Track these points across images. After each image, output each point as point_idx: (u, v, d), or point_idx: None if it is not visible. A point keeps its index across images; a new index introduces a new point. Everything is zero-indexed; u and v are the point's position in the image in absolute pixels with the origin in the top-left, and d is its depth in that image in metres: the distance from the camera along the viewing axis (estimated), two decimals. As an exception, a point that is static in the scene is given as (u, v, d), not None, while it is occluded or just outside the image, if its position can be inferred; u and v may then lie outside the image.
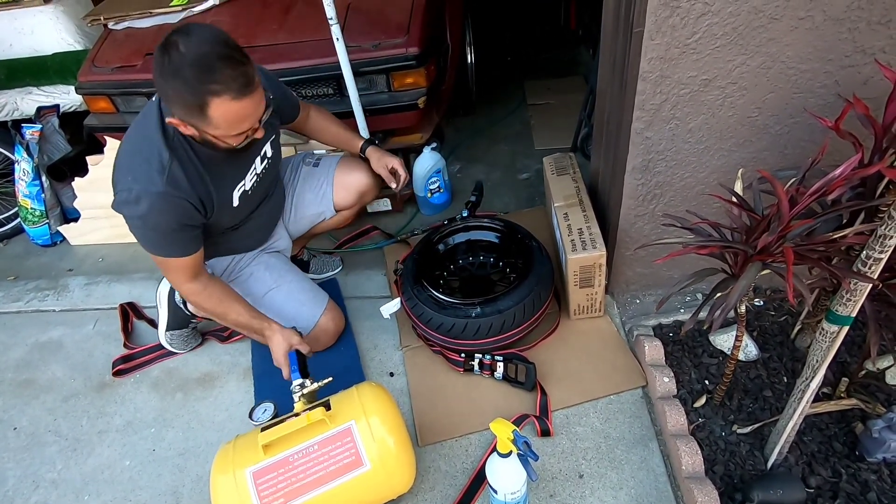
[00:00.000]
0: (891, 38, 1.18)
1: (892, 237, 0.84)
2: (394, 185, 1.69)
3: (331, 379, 1.29)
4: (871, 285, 0.89)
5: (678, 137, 1.37)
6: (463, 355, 1.53)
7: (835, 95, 1.27)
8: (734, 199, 1.06)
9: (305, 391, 1.26)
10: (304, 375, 1.33)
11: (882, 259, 0.86)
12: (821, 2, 1.15)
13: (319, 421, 1.15)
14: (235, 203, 1.41)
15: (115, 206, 1.26)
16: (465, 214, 1.75)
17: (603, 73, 1.54)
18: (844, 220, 1.04)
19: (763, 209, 1.04)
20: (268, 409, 1.45)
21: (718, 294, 1.05)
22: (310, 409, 1.19)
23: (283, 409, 1.29)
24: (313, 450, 1.13)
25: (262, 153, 1.45)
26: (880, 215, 0.99)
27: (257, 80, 1.14)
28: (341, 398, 1.24)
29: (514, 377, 1.48)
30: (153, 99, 1.28)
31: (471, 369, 1.52)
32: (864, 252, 0.88)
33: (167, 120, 1.18)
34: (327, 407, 1.20)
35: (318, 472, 1.12)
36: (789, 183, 1.02)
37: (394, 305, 1.62)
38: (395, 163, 1.67)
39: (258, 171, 1.45)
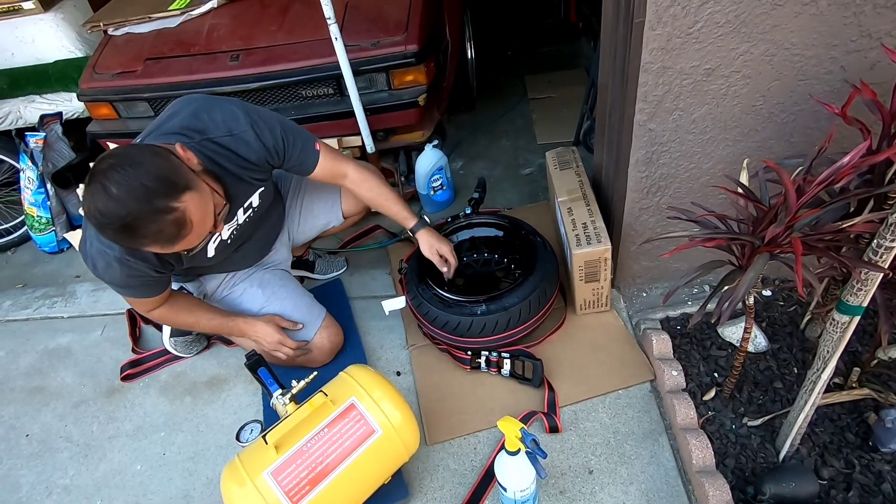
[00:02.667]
0: (897, 22, 1.16)
1: (902, 225, 0.82)
2: (444, 270, 1.56)
3: (316, 374, 1.30)
4: (881, 275, 0.88)
5: (682, 128, 1.35)
6: (469, 353, 1.52)
7: (841, 81, 1.25)
8: (740, 190, 1.04)
9: (294, 391, 1.26)
10: (281, 386, 1.32)
11: (893, 248, 0.85)
12: (825, -14, 1.13)
13: (323, 405, 1.18)
14: (210, 254, 1.33)
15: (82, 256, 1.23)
16: (468, 211, 1.74)
17: (604, 66, 1.52)
18: (852, 209, 1.02)
19: (770, 199, 1.02)
20: (254, 428, 1.47)
21: (726, 286, 1.04)
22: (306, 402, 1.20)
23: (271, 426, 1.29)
24: (324, 433, 1.16)
25: (245, 205, 1.34)
26: (889, 202, 0.97)
27: (189, 217, 1.03)
28: (333, 385, 1.27)
29: (521, 374, 1.48)
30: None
31: (477, 367, 1.52)
32: (875, 241, 0.86)
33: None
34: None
35: (334, 451, 1.15)
36: (796, 172, 1.01)
37: (398, 303, 1.60)
38: (446, 250, 1.54)
39: (239, 222, 1.36)
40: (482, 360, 1.51)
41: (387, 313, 1.62)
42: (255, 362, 1.40)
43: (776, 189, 1.01)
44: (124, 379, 1.72)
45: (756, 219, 1.00)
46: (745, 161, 1.10)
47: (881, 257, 0.85)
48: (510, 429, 1.07)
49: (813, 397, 1.08)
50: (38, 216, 2.26)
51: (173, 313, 1.42)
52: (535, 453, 1.06)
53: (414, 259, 1.63)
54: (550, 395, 1.44)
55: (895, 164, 0.97)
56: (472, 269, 1.76)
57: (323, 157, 1.38)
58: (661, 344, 1.46)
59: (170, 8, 2.15)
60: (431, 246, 1.53)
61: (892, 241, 0.83)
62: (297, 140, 1.33)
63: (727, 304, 0.98)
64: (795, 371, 1.40)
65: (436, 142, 2.14)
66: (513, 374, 1.48)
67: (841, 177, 0.88)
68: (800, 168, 1.00)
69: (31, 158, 2.21)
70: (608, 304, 1.62)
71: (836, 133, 1.06)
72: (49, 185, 2.26)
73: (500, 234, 1.71)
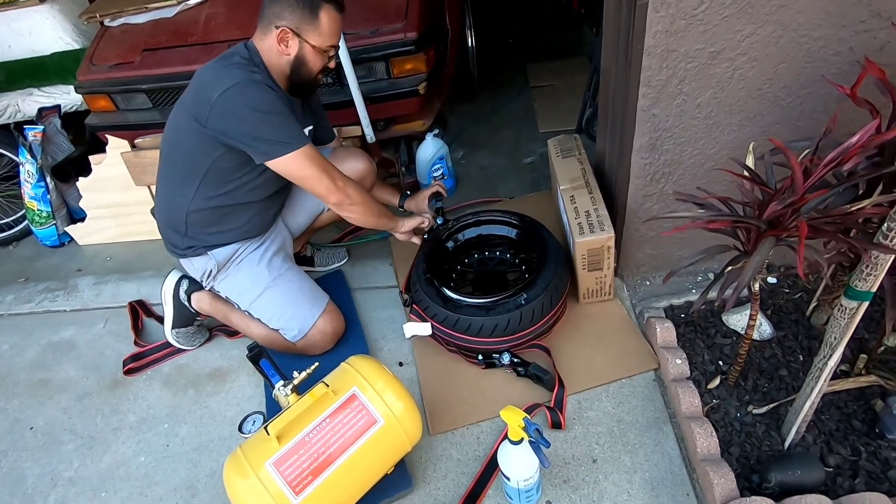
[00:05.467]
0: (908, 0, 1.13)
1: (913, 208, 0.81)
2: (440, 194, 1.78)
3: (317, 364, 1.30)
4: (892, 259, 0.86)
5: (686, 113, 1.33)
6: (480, 357, 1.50)
7: (849, 63, 1.22)
8: (745, 174, 1.02)
9: (296, 382, 1.26)
10: (283, 377, 1.32)
11: (903, 231, 0.83)
12: (833, -36, 1.10)
13: (324, 396, 1.17)
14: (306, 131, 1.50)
15: (222, 102, 1.29)
16: (440, 221, 1.69)
17: (607, 51, 1.50)
18: (861, 192, 1.00)
19: (776, 183, 1.00)
20: (257, 419, 1.46)
21: (730, 271, 1.02)
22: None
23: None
24: (326, 423, 1.15)
25: (306, 131, 1.54)
26: (900, 185, 0.96)
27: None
28: (335, 375, 1.26)
29: (534, 378, 1.46)
30: (234, 51, 1.39)
31: (492, 366, 1.50)
32: (886, 224, 0.84)
33: (277, 26, 1.33)
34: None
35: (336, 441, 1.14)
36: (803, 154, 0.99)
37: (422, 329, 1.51)
38: (430, 191, 1.77)
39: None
40: (496, 361, 1.48)
41: (407, 336, 1.57)
42: (257, 354, 1.40)
43: (783, 173, 0.99)
44: (127, 373, 1.72)
45: (762, 202, 0.98)
46: (752, 144, 1.08)
47: (892, 241, 0.83)
48: (513, 418, 1.06)
49: (819, 384, 1.07)
50: (38, 210, 2.26)
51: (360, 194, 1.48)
52: (539, 443, 1.05)
53: (421, 262, 1.58)
54: (560, 391, 1.41)
55: (905, 147, 0.95)
56: (479, 268, 1.73)
57: (284, 164, 1.38)
58: (665, 332, 1.45)
59: (166, -3, 2.13)
60: (420, 203, 1.76)
61: (903, 224, 0.82)
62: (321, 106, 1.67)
63: (732, 289, 0.96)
64: (801, 358, 1.38)
65: (436, 131, 2.12)
66: (526, 375, 1.47)
67: (849, 157, 0.86)
68: (807, 150, 0.98)
69: (31, 152, 2.20)
70: (611, 292, 1.61)
71: (843, 116, 1.04)
72: (49, 179, 2.25)
73: (513, 232, 1.67)
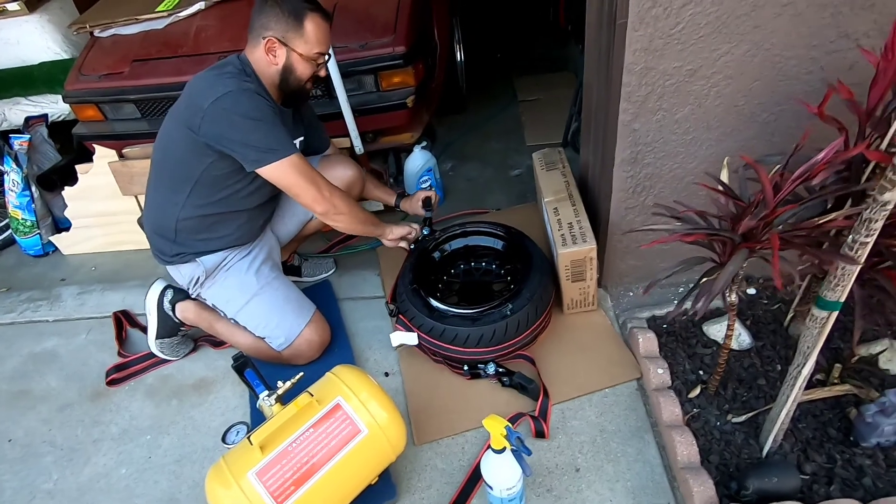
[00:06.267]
0: (874, 23, 1.18)
1: (877, 221, 0.84)
2: (433, 197, 1.84)
3: (302, 374, 1.30)
4: (857, 270, 0.89)
5: (665, 128, 1.37)
6: (466, 368, 1.50)
7: (821, 81, 1.27)
8: (720, 188, 1.06)
9: (280, 391, 1.26)
10: (268, 387, 1.32)
11: (868, 243, 0.86)
12: (803, -12, 1.15)
13: (308, 405, 1.17)
14: (297, 145, 1.51)
15: (214, 109, 1.31)
16: (426, 232, 1.71)
17: (589, 67, 1.54)
18: (830, 205, 1.04)
19: (749, 196, 1.04)
20: (240, 430, 1.46)
21: (705, 282, 1.05)
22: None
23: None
24: (310, 433, 1.15)
25: (297, 142, 1.57)
26: (867, 199, 0.99)
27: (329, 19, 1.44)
28: (320, 385, 1.26)
29: (518, 387, 1.47)
30: (227, 61, 1.43)
31: (477, 376, 1.51)
32: (851, 237, 0.88)
33: (264, 36, 1.37)
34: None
35: (320, 450, 1.14)
36: (775, 169, 1.02)
37: (409, 339, 1.53)
38: (423, 194, 1.83)
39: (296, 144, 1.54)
40: (481, 371, 1.49)
41: (394, 346, 1.57)
42: (242, 364, 1.40)
43: (756, 187, 1.03)
44: (110, 384, 1.70)
45: (735, 215, 1.01)
46: (726, 159, 1.11)
47: (856, 252, 0.87)
48: (495, 427, 1.07)
49: (794, 392, 1.10)
50: (22, 219, 2.24)
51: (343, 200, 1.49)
52: (521, 451, 1.06)
53: (408, 273, 1.60)
54: (544, 400, 1.43)
55: (871, 163, 0.99)
56: (465, 279, 1.74)
57: (273, 172, 1.40)
58: (648, 342, 1.47)
59: (157, 9, 2.14)
60: (415, 204, 1.83)
61: (867, 236, 0.85)
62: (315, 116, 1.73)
63: (704, 298, 0.99)
64: (779, 368, 1.41)
65: (424, 143, 2.15)
66: (511, 385, 1.48)
67: (816, 173, 0.90)
68: (778, 166, 1.02)
69: (16, 161, 2.19)
70: (595, 303, 1.63)
71: (816, 132, 1.08)
72: (34, 188, 2.24)
73: (498, 243, 1.69)
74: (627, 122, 1.35)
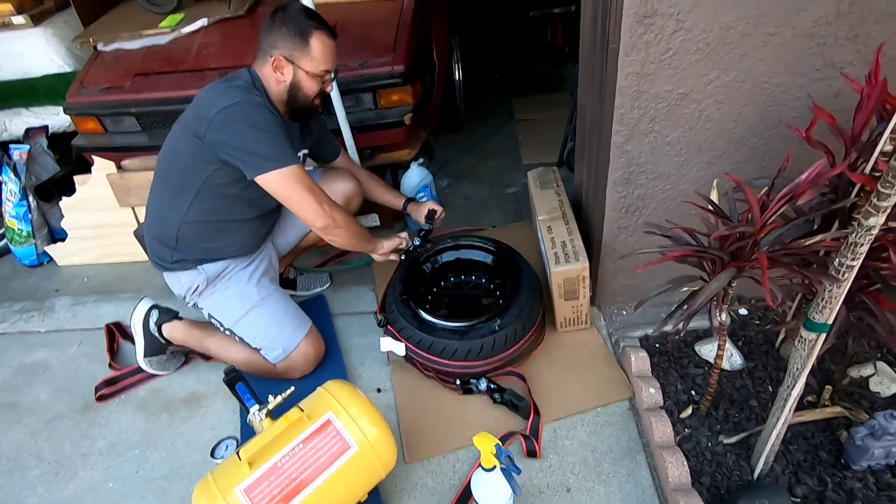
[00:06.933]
0: (858, 53, 1.21)
1: (862, 245, 0.86)
2: (438, 213, 1.83)
3: (293, 389, 1.29)
4: (845, 293, 0.91)
5: (658, 150, 1.39)
6: (458, 382, 1.51)
7: (808, 108, 1.30)
8: (710, 208, 1.07)
9: (271, 406, 1.25)
10: (259, 401, 1.31)
11: (854, 266, 0.88)
12: (789, 18, 1.18)
13: (298, 420, 1.17)
14: (300, 155, 1.55)
15: (220, 117, 1.33)
16: (417, 242, 1.72)
17: (583, 89, 1.57)
18: (816, 226, 1.05)
19: (738, 216, 1.05)
20: (230, 445, 1.45)
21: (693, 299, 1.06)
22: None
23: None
24: (299, 449, 1.15)
25: (300, 154, 1.59)
26: (853, 222, 1.01)
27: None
28: (311, 400, 1.26)
29: (509, 404, 1.47)
30: (237, 74, 1.46)
31: (469, 391, 1.51)
32: (838, 259, 0.89)
33: (272, 55, 1.41)
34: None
35: (309, 467, 1.13)
36: (762, 190, 1.04)
37: (397, 348, 1.53)
38: (430, 205, 1.83)
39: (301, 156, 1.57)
40: (473, 387, 1.49)
41: (382, 350, 1.58)
42: (234, 377, 1.39)
43: (745, 207, 1.04)
44: (99, 399, 1.69)
45: (724, 235, 1.03)
46: (716, 181, 1.13)
47: (843, 275, 0.88)
48: (485, 445, 1.07)
49: (784, 414, 1.10)
50: (18, 229, 2.24)
51: (343, 216, 1.50)
52: (510, 469, 1.06)
53: (398, 284, 1.60)
54: (535, 419, 1.42)
55: (857, 186, 1.01)
56: (454, 292, 1.75)
57: (272, 181, 1.40)
58: (640, 362, 1.47)
59: (160, 25, 2.18)
60: (421, 211, 1.82)
61: (853, 259, 0.86)
62: (325, 125, 1.76)
63: (683, 314, 1.00)
64: (770, 389, 1.41)
65: (421, 160, 2.17)
66: (502, 402, 1.48)
67: (800, 193, 0.91)
68: (765, 187, 1.04)
69: (14, 171, 2.20)
70: (588, 321, 1.63)
71: (805, 156, 1.10)
72: (31, 198, 2.25)
73: (489, 258, 1.70)
74: (620, 143, 1.38)
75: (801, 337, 1.01)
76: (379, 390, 1.61)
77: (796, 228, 1.01)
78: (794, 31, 1.19)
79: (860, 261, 0.87)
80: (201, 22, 2.17)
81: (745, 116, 1.33)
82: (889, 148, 0.88)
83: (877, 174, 0.92)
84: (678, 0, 1.16)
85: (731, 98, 1.30)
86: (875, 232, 0.83)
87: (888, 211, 0.79)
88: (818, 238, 0.94)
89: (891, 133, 0.85)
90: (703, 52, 1.23)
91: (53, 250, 2.28)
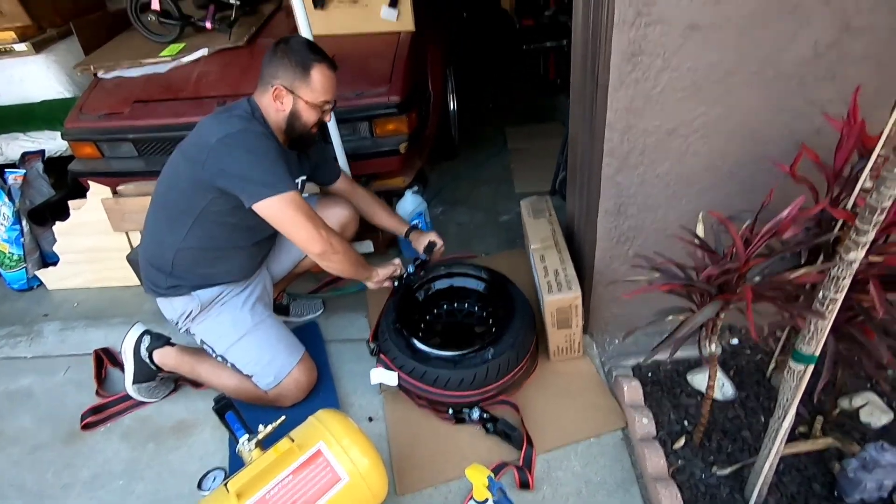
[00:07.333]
0: (837, 92, 1.26)
1: (845, 278, 0.88)
2: (439, 245, 1.83)
3: (284, 418, 1.28)
4: (830, 325, 0.92)
5: (647, 182, 1.42)
6: (451, 411, 1.50)
7: (792, 143, 1.34)
8: (696, 242, 1.10)
9: (261, 436, 1.24)
10: (249, 431, 1.30)
11: (837, 299, 0.89)
12: (771, 59, 1.23)
13: (288, 451, 1.15)
14: (299, 183, 1.59)
15: (220, 145, 1.35)
16: (411, 270, 1.72)
17: (574, 121, 1.61)
18: (803, 260, 1.08)
19: (724, 249, 1.08)
20: (217, 476, 1.42)
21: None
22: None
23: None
24: (288, 480, 1.13)
25: (298, 181, 1.62)
26: (836, 255, 1.03)
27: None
28: (302, 430, 1.24)
29: (502, 434, 1.46)
30: (238, 104, 1.49)
31: (462, 421, 1.50)
32: (821, 293, 0.91)
33: (273, 84, 1.44)
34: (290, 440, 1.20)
35: (298, 499, 1.12)
36: (745, 225, 1.07)
37: (389, 378, 1.51)
38: (432, 236, 1.84)
39: (299, 183, 1.60)
40: (465, 416, 1.48)
41: (373, 383, 1.56)
42: (224, 406, 1.38)
43: (732, 241, 1.07)
44: (85, 427, 1.65)
45: (709, 268, 1.04)
46: (701, 214, 1.16)
47: (827, 307, 0.90)
48: (477, 477, 1.06)
49: (776, 445, 1.10)
50: (9, 253, 2.23)
51: (339, 241, 1.51)
52: (502, 502, 1.05)
53: (391, 312, 1.60)
54: (528, 449, 1.41)
55: (840, 220, 1.04)
56: (446, 319, 1.75)
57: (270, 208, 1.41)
58: (633, 391, 1.47)
59: (161, 54, 2.22)
60: (422, 241, 1.82)
61: (836, 292, 0.88)
62: (326, 149, 1.80)
63: (668, 341, 1.01)
64: (762, 419, 1.42)
65: (416, 188, 2.20)
66: (495, 432, 1.47)
67: (784, 228, 0.94)
68: (748, 222, 1.06)
69: (9, 195, 2.20)
70: (581, 350, 1.64)
71: (787, 188, 1.14)
72: (24, 222, 2.24)
73: (482, 286, 1.71)
74: (611, 175, 1.41)
75: (790, 368, 1.02)
76: (371, 419, 1.59)
77: (782, 261, 1.03)
78: (776, 71, 1.24)
79: (843, 294, 0.89)
80: (202, 52, 2.22)
81: (731, 151, 1.37)
82: (869, 185, 0.91)
83: (857, 210, 0.95)
84: (665, 40, 1.21)
85: (717, 133, 1.34)
86: (856, 266, 0.85)
87: (867, 246, 0.81)
88: (803, 271, 0.96)
89: (870, 171, 0.88)
90: (689, 90, 1.28)
91: (44, 274, 2.26)
